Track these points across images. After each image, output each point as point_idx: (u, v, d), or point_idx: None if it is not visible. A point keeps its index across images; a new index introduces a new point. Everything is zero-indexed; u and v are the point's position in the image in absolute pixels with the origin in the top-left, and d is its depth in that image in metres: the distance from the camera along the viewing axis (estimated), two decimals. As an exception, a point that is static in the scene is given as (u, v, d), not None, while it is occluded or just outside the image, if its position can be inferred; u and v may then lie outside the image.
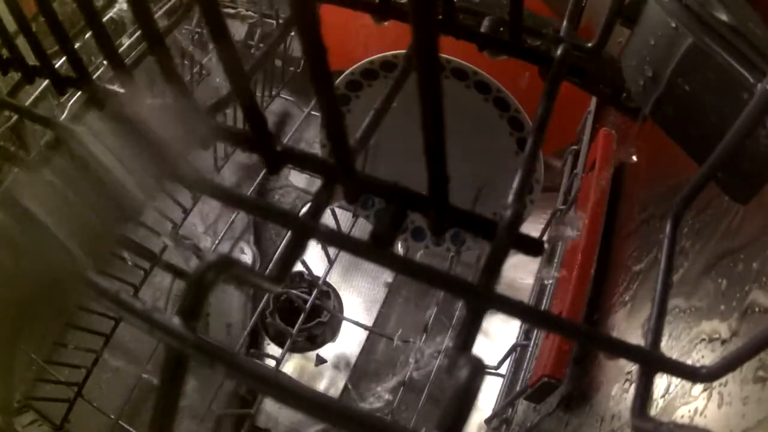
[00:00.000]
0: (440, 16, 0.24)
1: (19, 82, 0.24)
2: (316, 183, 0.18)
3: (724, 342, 0.26)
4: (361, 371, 0.73)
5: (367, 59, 0.57)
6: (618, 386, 0.36)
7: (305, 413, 0.12)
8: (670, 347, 0.31)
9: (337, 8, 0.26)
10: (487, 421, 0.54)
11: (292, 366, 0.73)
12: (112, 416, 0.62)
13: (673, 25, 0.21)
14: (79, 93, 0.22)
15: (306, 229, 0.16)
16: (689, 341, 0.30)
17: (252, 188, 0.78)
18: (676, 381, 0.29)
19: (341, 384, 0.72)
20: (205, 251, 0.75)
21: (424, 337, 0.66)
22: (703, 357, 0.28)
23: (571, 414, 0.42)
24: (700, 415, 0.26)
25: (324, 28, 0.13)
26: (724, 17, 0.20)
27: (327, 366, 0.74)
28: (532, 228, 0.67)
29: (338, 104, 0.14)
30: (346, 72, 0.59)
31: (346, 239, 0.16)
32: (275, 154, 0.17)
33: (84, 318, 0.68)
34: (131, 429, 0.62)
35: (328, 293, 0.76)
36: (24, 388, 0.63)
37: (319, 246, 0.73)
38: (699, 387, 0.26)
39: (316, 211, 0.17)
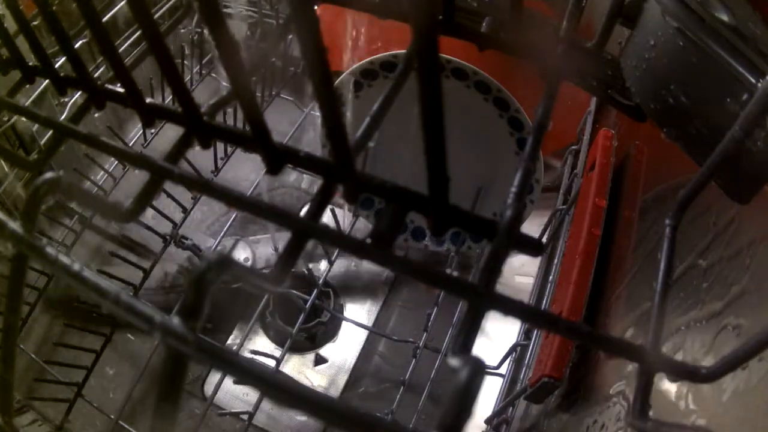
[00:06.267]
0: (440, 16, 0.24)
1: (19, 82, 0.24)
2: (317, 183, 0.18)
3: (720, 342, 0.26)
4: (361, 371, 0.73)
5: (367, 59, 0.57)
6: (618, 386, 0.36)
7: (305, 413, 0.12)
8: (667, 348, 0.31)
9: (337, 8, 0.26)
10: (487, 421, 0.54)
11: (292, 366, 0.73)
12: (112, 416, 0.62)
13: (673, 25, 0.21)
14: (79, 93, 0.22)
15: (306, 229, 0.16)
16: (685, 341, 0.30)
17: (252, 188, 0.78)
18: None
19: (341, 384, 0.72)
20: (205, 251, 0.75)
21: (424, 337, 0.66)
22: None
23: (570, 414, 0.42)
24: (701, 415, 0.26)
25: (324, 28, 0.13)
26: (724, 17, 0.20)
27: (327, 366, 0.74)
28: (532, 228, 0.67)
29: (338, 104, 0.14)
30: (346, 72, 0.59)
31: (346, 239, 0.16)
32: (275, 154, 0.17)
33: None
34: (131, 429, 0.62)
35: (328, 293, 0.76)
36: (24, 388, 0.63)
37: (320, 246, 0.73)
38: (699, 387, 0.26)
39: (316, 211, 0.17)
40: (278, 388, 0.12)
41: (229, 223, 0.77)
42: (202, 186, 0.18)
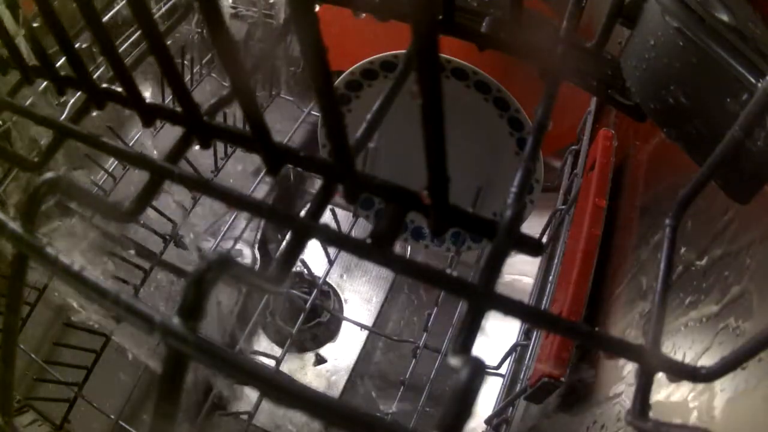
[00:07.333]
0: (440, 16, 0.24)
1: (19, 82, 0.24)
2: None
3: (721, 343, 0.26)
4: (361, 371, 0.73)
5: (367, 59, 0.57)
6: (618, 386, 0.36)
7: (305, 413, 0.12)
8: (667, 348, 0.31)
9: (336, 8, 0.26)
10: (487, 421, 0.54)
11: (292, 366, 0.73)
12: (112, 416, 0.62)
13: (673, 25, 0.21)
14: (79, 93, 0.22)
15: (306, 229, 0.16)
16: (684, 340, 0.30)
17: (251, 188, 0.78)
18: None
19: (341, 384, 0.72)
20: (205, 251, 0.75)
21: (424, 336, 0.66)
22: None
23: (570, 414, 0.42)
24: (700, 415, 0.26)
25: (324, 28, 0.13)
26: (724, 17, 0.20)
27: (327, 366, 0.74)
28: (532, 228, 0.67)
29: (338, 104, 0.14)
30: (346, 72, 0.59)
31: (346, 239, 0.16)
32: (275, 154, 0.17)
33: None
34: (131, 429, 0.62)
35: (328, 293, 0.76)
36: (24, 388, 0.63)
37: (320, 246, 0.73)
38: (699, 387, 0.26)
39: (316, 211, 0.17)
40: (278, 388, 0.12)
41: (228, 223, 0.77)
42: (202, 186, 0.18)
